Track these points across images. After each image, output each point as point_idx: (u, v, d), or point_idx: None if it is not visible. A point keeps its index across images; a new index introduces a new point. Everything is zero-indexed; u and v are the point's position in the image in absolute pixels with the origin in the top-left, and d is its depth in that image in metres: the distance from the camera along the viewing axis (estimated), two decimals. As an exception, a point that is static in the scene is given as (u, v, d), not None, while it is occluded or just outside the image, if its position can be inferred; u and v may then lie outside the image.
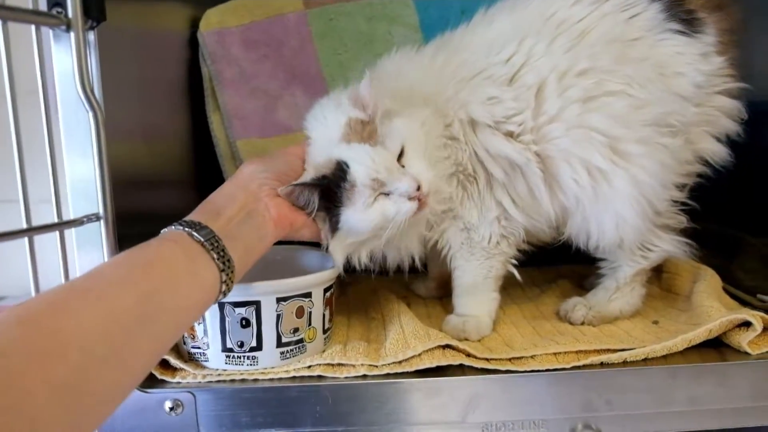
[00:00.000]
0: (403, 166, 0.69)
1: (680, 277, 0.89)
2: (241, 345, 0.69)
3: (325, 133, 0.72)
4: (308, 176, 0.70)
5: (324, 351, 0.74)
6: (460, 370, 0.70)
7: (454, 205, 0.77)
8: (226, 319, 0.68)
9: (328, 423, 0.69)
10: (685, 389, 0.69)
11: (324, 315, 0.74)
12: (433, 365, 0.69)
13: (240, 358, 0.70)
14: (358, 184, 0.68)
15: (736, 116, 0.77)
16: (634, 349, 0.70)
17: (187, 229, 0.58)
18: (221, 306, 0.68)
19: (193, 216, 0.62)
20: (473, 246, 0.79)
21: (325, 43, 1.01)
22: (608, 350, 0.71)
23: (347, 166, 0.69)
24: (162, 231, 0.59)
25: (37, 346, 0.40)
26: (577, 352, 0.71)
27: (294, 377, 0.70)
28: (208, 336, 0.70)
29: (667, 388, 0.69)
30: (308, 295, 0.71)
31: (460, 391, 0.69)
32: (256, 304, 0.68)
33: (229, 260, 0.58)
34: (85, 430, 0.43)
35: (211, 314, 0.68)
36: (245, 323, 0.68)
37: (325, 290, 0.74)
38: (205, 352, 0.70)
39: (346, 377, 0.69)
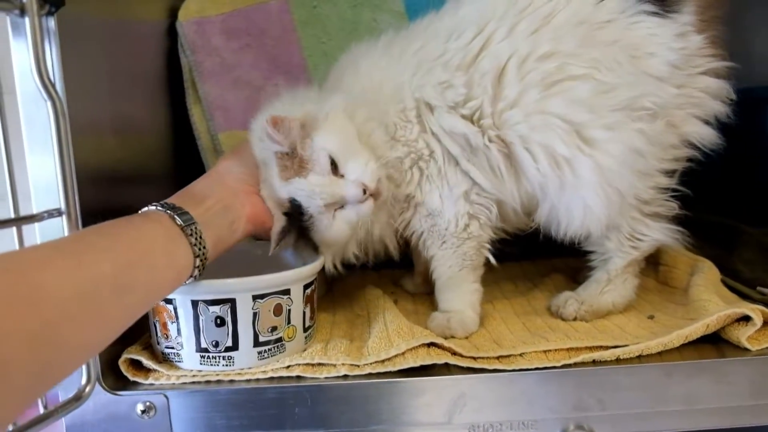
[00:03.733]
0: (342, 176, 0.70)
1: (677, 269, 0.85)
2: (216, 345, 0.66)
3: (266, 171, 0.73)
4: (276, 221, 0.72)
5: (305, 350, 0.71)
6: (446, 369, 0.67)
7: (411, 189, 0.76)
8: (200, 317, 0.65)
9: (308, 425, 0.66)
10: (681, 387, 0.66)
11: (304, 313, 0.71)
12: (417, 364, 0.66)
13: (215, 358, 0.67)
14: (313, 213, 0.71)
15: (723, 96, 0.73)
16: (628, 345, 0.66)
17: (169, 211, 0.60)
18: (194, 304, 0.65)
19: (174, 200, 0.64)
20: (442, 234, 0.77)
21: (308, 31, 0.98)
22: (600, 347, 0.67)
23: (298, 203, 0.71)
24: (144, 209, 0.62)
25: (17, 295, 0.42)
26: (568, 349, 0.68)
27: (272, 378, 0.67)
28: (182, 335, 0.67)
29: (662, 387, 0.66)
30: (287, 292, 0.68)
31: (446, 391, 0.66)
32: (231, 302, 0.65)
33: (204, 246, 0.61)
34: (49, 382, 0.45)
35: (185, 313, 0.65)
36: (220, 322, 0.65)
37: (305, 287, 0.71)
38: (179, 352, 0.67)
39: (326, 377, 0.66)
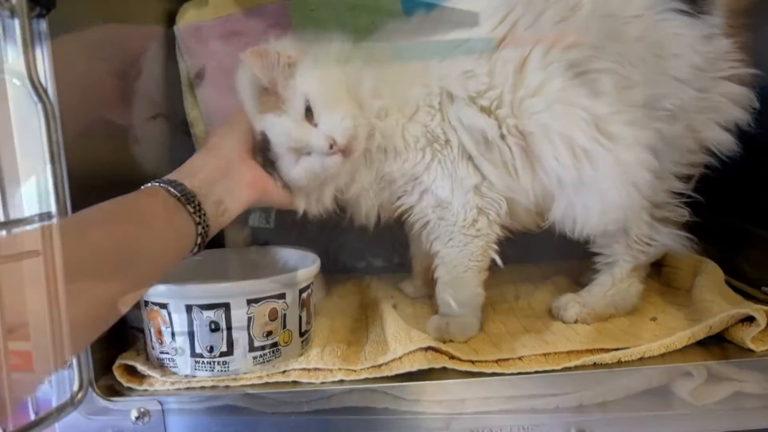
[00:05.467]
0: (315, 125, 0.68)
1: (681, 271, 0.84)
2: (211, 350, 0.65)
3: (246, 102, 0.73)
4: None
5: (301, 355, 0.70)
6: (444, 373, 0.66)
7: (419, 171, 0.73)
8: (194, 322, 0.65)
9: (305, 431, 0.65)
10: (685, 390, 0.64)
11: (300, 317, 0.70)
12: (414, 369, 0.65)
13: (210, 363, 0.66)
14: (278, 151, 0.70)
15: (745, 104, 0.71)
16: (629, 348, 0.65)
17: (163, 185, 0.61)
18: (188, 308, 0.64)
19: (168, 176, 0.64)
20: (449, 229, 0.75)
21: (306, 35, 0.97)
22: (601, 350, 0.66)
23: (268, 138, 0.70)
24: (144, 186, 0.63)
25: (26, 269, 0.46)
26: (568, 352, 0.67)
27: (267, 383, 0.66)
28: (176, 341, 0.66)
29: (666, 389, 0.65)
30: (282, 296, 0.67)
31: (444, 396, 0.65)
32: (225, 307, 0.64)
33: (204, 214, 0.62)
34: (62, 357, 0.49)
35: (179, 318, 0.65)
36: (214, 327, 0.65)
37: (301, 291, 0.70)
38: (174, 357, 0.67)
39: (322, 383, 0.65)
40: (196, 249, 0.62)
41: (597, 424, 0.65)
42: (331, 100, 0.69)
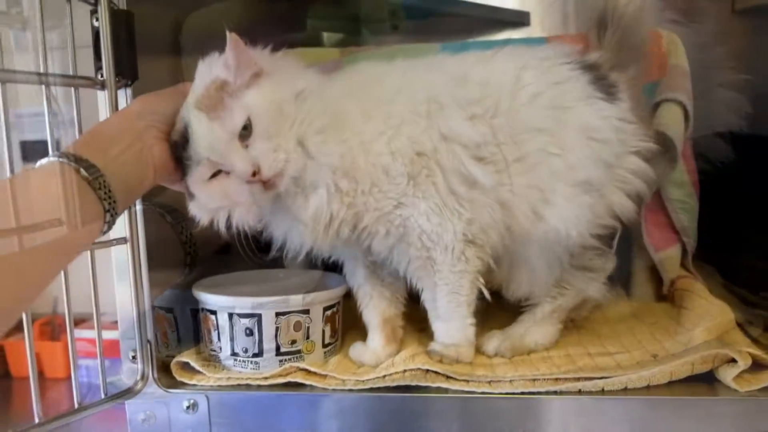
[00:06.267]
0: (246, 146, 0.66)
1: (693, 312, 0.86)
2: (246, 351, 0.78)
3: (196, 87, 0.69)
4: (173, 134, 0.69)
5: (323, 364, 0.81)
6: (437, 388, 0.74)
7: (404, 210, 0.73)
8: (234, 327, 0.78)
9: (319, 429, 0.75)
10: (666, 422, 0.69)
11: (324, 331, 0.81)
12: (414, 383, 0.73)
13: (244, 362, 0.79)
14: (194, 157, 0.67)
15: (644, 177, 0.80)
16: (611, 377, 0.70)
17: (74, 164, 0.58)
18: (230, 316, 0.78)
19: (79, 149, 0.61)
20: (436, 267, 0.75)
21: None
22: (586, 378, 0.72)
23: (188, 136, 0.67)
24: (46, 160, 0.59)
25: None
26: (556, 379, 0.72)
27: (288, 383, 0.77)
28: (220, 341, 0.80)
29: (647, 420, 0.69)
30: (306, 311, 0.79)
31: (437, 411, 0.73)
32: (258, 317, 0.77)
33: (114, 201, 0.60)
34: None
35: (223, 323, 0.78)
36: (249, 332, 0.78)
37: (325, 309, 0.81)
38: (219, 355, 0.80)
39: (333, 389, 0.75)
40: (100, 235, 0.61)
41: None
42: (273, 129, 0.67)
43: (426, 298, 0.80)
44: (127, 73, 0.73)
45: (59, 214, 0.55)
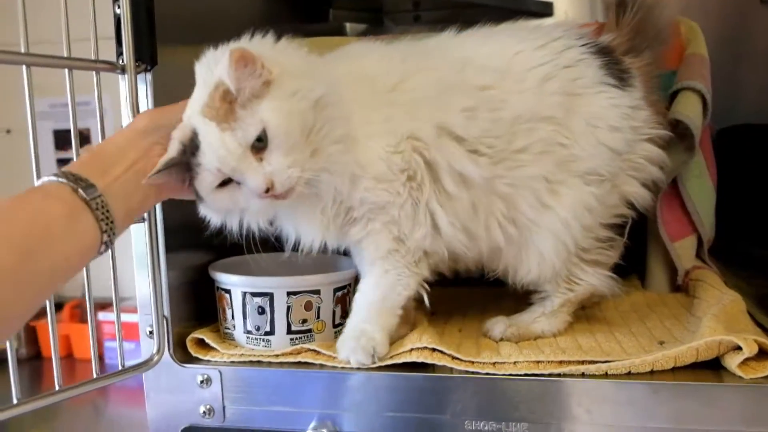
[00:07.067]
0: (260, 159, 0.64)
1: (705, 302, 0.86)
2: (258, 329, 0.81)
3: (199, 91, 0.68)
4: (172, 147, 0.67)
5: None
6: (443, 368, 0.75)
7: (392, 209, 0.74)
8: (247, 306, 0.80)
9: (327, 405, 0.77)
10: (668, 406, 0.69)
11: (334, 311, 0.83)
12: (420, 361, 0.75)
13: (257, 339, 0.81)
14: (203, 166, 0.66)
15: (660, 163, 0.81)
16: (615, 361, 0.71)
17: (72, 184, 0.58)
18: (243, 294, 0.80)
19: (80, 168, 0.61)
20: (397, 258, 0.76)
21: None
22: (590, 361, 0.72)
23: (198, 143, 0.65)
24: (46, 179, 0.59)
25: None
26: (560, 362, 0.73)
27: (299, 363, 0.79)
28: (234, 319, 0.82)
29: (649, 403, 0.69)
30: (317, 291, 0.81)
31: (443, 389, 0.74)
32: (270, 296, 0.79)
33: (112, 222, 0.59)
34: None
35: (236, 301, 0.81)
36: (261, 310, 0.80)
37: (336, 290, 0.83)
38: (233, 333, 0.83)
39: (342, 367, 0.77)
40: (97, 256, 0.61)
41: (583, 430, 0.71)
42: (289, 142, 0.64)
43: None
44: (146, 58, 0.76)
45: (56, 235, 0.55)
